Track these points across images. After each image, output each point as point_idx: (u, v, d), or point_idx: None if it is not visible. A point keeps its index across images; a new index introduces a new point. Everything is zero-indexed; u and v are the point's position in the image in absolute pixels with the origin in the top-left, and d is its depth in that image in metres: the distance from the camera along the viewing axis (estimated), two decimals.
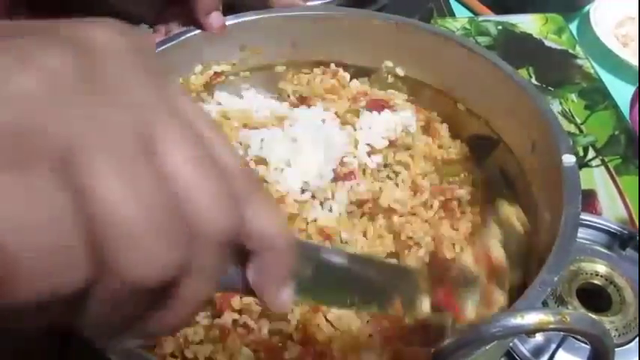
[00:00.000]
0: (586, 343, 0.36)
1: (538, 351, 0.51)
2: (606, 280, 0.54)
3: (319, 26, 0.59)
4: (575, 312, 0.28)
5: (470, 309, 0.36)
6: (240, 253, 0.24)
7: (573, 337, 0.49)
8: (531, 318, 0.27)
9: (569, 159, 0.43)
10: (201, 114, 0.23)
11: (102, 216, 0.18)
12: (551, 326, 0.27)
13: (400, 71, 0.60)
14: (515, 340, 0.51)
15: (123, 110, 0.19)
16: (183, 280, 0.21)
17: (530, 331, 0.27)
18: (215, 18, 0.57)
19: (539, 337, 0.51)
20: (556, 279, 0.35)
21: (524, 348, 0.51)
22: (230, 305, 0.45)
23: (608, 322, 0.52)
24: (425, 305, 0.34)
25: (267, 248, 0.24)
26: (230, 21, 0.58)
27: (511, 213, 0.46)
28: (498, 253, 0.41)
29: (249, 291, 0.26)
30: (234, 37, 0.59)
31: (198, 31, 0.57)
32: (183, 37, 0.57)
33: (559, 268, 0.35)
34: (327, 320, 0.45)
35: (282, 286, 0.26)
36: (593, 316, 0.52)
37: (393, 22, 0.57)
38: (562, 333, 0.50)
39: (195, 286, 0.21)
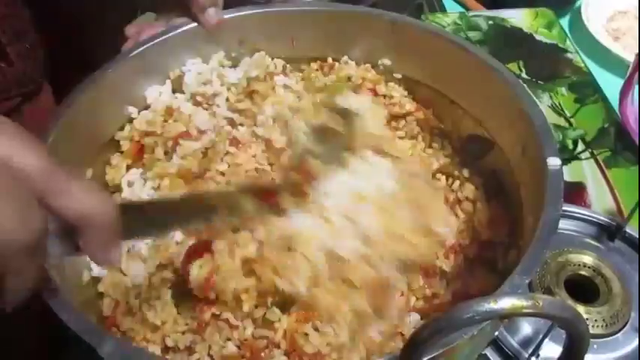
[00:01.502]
0: None
1: (526, 342, 0.51)
2: (594, 271, 0.55)
3: (317, 22, 0.60)
4: (548, 297, 0.28)
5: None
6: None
7: (560, 327, 0.49)
8: (505, 303, 0.27)
9: (553, 162, 0.43)
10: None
11: None
12: (525, 311, 0.27)
13: (397, 74, 0.61)
14: (504, 332, 0.52)
15: None
16: (4, 281, 0.29)
17: (504, 316, 0.28)
18: (211, 14, 0.57)
19: (527, 329, 0.52)
20: (527, 281, 0.35)
21: (512, 340, 0.51)
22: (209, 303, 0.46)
23: (596, 313, 0.52)
24: (250, 206, 0.43)
25: (87, 226, 0.31)
26: (229, 15, 0.58)
27: None
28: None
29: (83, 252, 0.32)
30: (232, 31, 0.60)
31: (196, 24, 0.58)
32: (181, 30, 0.58)
33: (531, 271, 0.36)
34: (316, 330, 0.45)
35: (108, 249, 0.33)
36: (581, 306, 0.52)
37: (389, 19, 0.58)
38: (549, 323, 0.50)
39: (16, 282, 0.29)
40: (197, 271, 0.45)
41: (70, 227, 0.32)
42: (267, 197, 0.45)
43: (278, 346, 0.45)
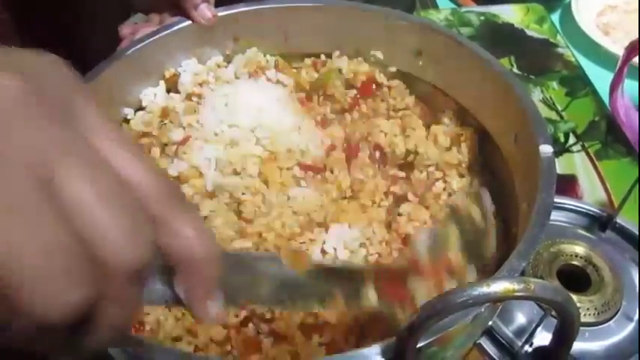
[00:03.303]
0: None
1: (520, 331, 0.52)
2: (585, 261, 0.56)
3: (310, 18, 0.60)
4: (540, 280, 0.29)
5: (421, 296, 0.36)
6: (167, 268, 0.26)
7: (552, 316, 0.50)
8: (497, 286, 0.28)
9: (546, 149, 0.43)
10: (112, 135, 0.23)
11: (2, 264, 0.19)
12: (517, 294, 0.28)
13: (392, 68, 0.61)
14: (498, 322, 0.52)
15: (19, 153, 0.20)
16: (97, 310, 0.22)
17: (497, 299, 0.28)
18: (203, 10, 0.57)
19: (520, 318, 0.53)
20: (524, 265, 0.36)
21: (506, 329, 0.52)
22: None
23: (587, 302, 0.53)
24: (371, 298, 0.35)
25: (188, 266, 0.25)
26: (222, 12, 0.59)
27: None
28: (456, 257, 0.40)
29: (179, 303, 0.27)
30: (226, 29, 0.60)
31: (190, 22, 0.58)
32: (175, 28, 0.58)
33: (527, 255, 0.37)
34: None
35: (210, 299, 0.27)
36: (573, 295, 0.53)
37: (382, 14, 0.58)
38: (542, 313, 0.51)
39: (112, 313, 0.23)
40: None
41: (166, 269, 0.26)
42: (393, 288, 0.36)
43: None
